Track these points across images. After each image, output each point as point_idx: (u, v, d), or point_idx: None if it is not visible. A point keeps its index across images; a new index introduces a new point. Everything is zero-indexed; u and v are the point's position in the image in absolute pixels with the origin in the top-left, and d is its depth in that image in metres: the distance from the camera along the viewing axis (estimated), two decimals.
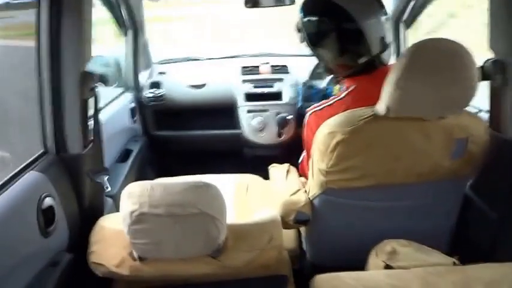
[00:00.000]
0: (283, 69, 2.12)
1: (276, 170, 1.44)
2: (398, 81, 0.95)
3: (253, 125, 2.00)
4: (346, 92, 1.20)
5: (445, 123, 1.03)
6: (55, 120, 1.11)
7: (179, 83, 2.11)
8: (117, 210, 1.19)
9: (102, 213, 1.24)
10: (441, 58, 0.94)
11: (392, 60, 1.28)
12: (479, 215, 1.17)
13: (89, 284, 1.07)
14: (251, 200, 1.50)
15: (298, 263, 1.30)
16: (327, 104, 1.21)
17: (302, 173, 1.40)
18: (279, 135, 1.98)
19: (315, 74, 1.91)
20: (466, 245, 1.21)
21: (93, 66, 1.18)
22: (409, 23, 1.89)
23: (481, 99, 1.13)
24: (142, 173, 1.85)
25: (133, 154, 1.79)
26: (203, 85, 2.10)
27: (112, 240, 1.01)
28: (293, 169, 1.42)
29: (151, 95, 2.05)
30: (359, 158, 1.05)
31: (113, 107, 1.78)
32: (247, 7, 1.69)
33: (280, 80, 2.08)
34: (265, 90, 2.05)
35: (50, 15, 1.04)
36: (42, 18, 1.05)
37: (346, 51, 1.19)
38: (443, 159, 1.06)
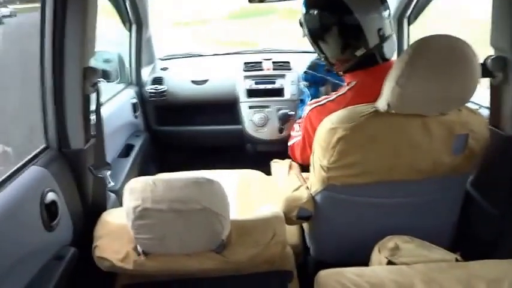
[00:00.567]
0: (285, 65, 2.12)
1: (278, 165, 1.44)
2: (399, 78, 0.94)
3: (255, 120, 2.01)
4: (348, 87, 1.19)
5: (446, 120, 1.03)
6: (57, 115, 1.11)
7: (181, 79, 2.11)
8: (120, 205, 1.19)
9: (105, 208, 1.25)
10: (443, 55, 0.94)
11: (395, 56, 1.27)
12: (481, 212, 1.18)
13: (93, 278, 1.08)
14: (253, 196, 1.50)
15: (302, 259, 1.31)
16: (328, 99, 1.21)
17: (291, 155, 1.42)
18: (281, 131, 1.98)
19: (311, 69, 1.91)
20: (468, 241, 1.22)
21: (95, 61, 1.17)
22: (413, 19, 1.88)
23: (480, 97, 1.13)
24: (144, 168, 1.85)
25: (135, 149, 1.80)
26: (205, 81, 2.10)
27: (116, 234, 1.02)
28: (295, 165, 1.42)
29: (153, 90, 2.05)
30: (360, 154, 1.05)
31: (115, 102, 1.78)
32: (251, 2, 1.68)
33: (283, 76, 2.08)
34: (268, 86, 2.05)
35: (54, 10, 1.04)
36: (46, 13, 1.05)
37: (344, 45, 1.18)
38: (444, 155, 1.06)
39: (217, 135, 2.13)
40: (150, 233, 0.94)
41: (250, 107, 2.03)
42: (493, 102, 1.14)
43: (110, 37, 2.14)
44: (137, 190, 0.92)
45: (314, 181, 1.17)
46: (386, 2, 1.19)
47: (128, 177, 1.54)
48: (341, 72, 1.27)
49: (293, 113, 1.97)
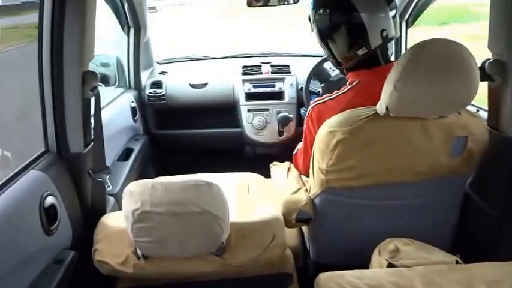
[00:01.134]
0: (284, 68, 2.13)
1: (277, 168, 1.44)
2: (397, 82, 0.95)
3: (254, 123, 2.02)
4: (350, 86, 1.19)
5: (445, 122, 1.03)
6: (56, 119, 1.11)
7: (181, 83, 2.11)
8: (119, 208, 1.19)
9: (105, 211, 1.24)
10: (441, 59, 0.94)
11: (392, 58, 1.27)
12: (480, 213, 1.18)
13: (93, 282, 1.07)
14: (253, 199, 1.50)
15: (302, 262, 1.31)
16: (329, 98, 1.20)
17: (295, 165, 1.41)
18: (280, 133, 1.99)
19: (314, 75, 1.92)
20: (467, 243, 1.22)
21: (94, 66, 1.18)
22: (411, 22, 1.89)
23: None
24: (143, 171, 1.85)
25: (135, 153, 1.80)
26: (204, 84, 2.10)
27: (116, 238, 1.01)
28: (294, 168, 1.42)
29: (152, 94, 2.06)
30: (359, 157, 1.05)
31: (115, 106, 1.78)
32: (249, 6, 1.69)
33: (282, 79, 2.09)
34: (267, 89, 2.06)
35: (52, 14, 1.04)
36: (44, 17, 1.05)
37: (348, 43, 1.17)
38: (443, 157, 1.07)
39: (217, 138, 2.14)
40: (149, 236, 0.94)
41: (250, 110, 2.04)
42: (492, 104, 1.14)
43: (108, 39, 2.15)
44: (136, 193, 0.92)
45: (313, 184, 1.18)
46: (394, 2, 1.18)
47: (127, 180, 1.54)
48: (344, 71, 1.26)
49: (292, 116, 1.97)
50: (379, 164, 1.07)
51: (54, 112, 1.10)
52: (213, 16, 9.90)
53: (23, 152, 1.20)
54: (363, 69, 1.19)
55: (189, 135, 2.14)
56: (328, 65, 2.05)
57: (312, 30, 1.26)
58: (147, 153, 1.98)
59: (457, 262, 1.00)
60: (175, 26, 7.96)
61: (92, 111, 1.17)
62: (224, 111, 2.08)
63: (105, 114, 1.36)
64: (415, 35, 1.95)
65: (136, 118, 1.97)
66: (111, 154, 1.60)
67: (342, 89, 1.20)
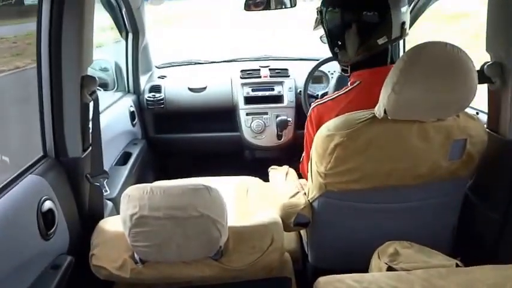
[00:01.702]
0: (283, 72, 2.13)
1: (276, 172, 1.44)
2: (395, 85, 0.95)
3: (253, 127, 2.02)
4: (351, 87, 1.17)
5: (443, 125, 1.03)
6: (55, 124, 1.11)
7: (179, 87, 2.12)
8: (117, 213, 1.18)
9: (102, 216, 1.24)
10: (438, 62, 0.94)
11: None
12: (481, 217, 1.17)
13: (90, 287, 1.07)
14: (251, 202, 1.50)
15: (300, 266, 1.30)
16: (329, 98, 1.19)
17: (302, 172, 1.39)
18: (279, 137, 1.98)
19: (312, 78, 1.92)
20: (468, 246, 1.21)
21: (93, 70, 1.18)
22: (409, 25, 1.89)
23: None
24: (141, 176, 1.85)
25: (133, 157, 1.79)
26: (203, 88, 2.10)
27: (113, 243, 1.01)
28: (292, 171, 1.42)
29: (151, 98, 2.06)
30: (357, 160, 1.05)
31: (113, 111, 1.78)
32: (246, 10, 1.70)
33: (281, 83, 2.09)
34: (266, 93, 2.06)
35: (50, 19, 1.05)
36: (43, 22, 1.05)
37: (374, 30, 1.13)
38: (442, 160, 1.06)
39: (215, 142, 2.14)
40: (147, 240, 0.93)
41: (248, 114, 2.04)
42: (491, 107, 1.14)
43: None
44: (134, 197, 0.92)
45: (311, 187, 1.17)
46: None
47: (125, 185, 1.53)
48: (349, 70, 1.23)
49: (291, 119, 1.97)
50: (378, 167, 1.06)
51: (53, 117, 1.10)
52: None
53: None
54: (366, 69, 1.17)
55: (187, 139, 2.13)
56: (326, 68, 2.06)
57: (318, 24, 1.22)
58: (146, 158, 1.98)
59: (457, 265, 0.99)
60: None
61: (91, 116, 1.17)
62: (223, 115, 2.08)
63: (103, 119, 1.36)
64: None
65: (134, 122, 1.97)
66: (109, 159, 1.60)
67: (343, 89, 1.19)
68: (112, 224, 1.07)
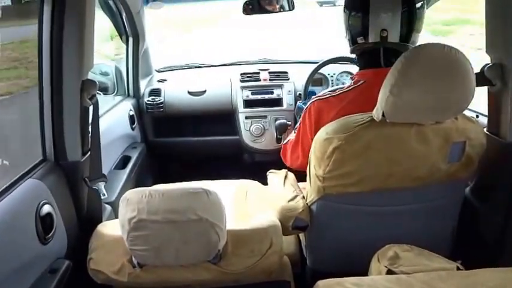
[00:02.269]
0: (283, 75, 2.14)
1: (274, 175, 1.44)
2: (393, 87, 0.94)
3: (252, 131, 2.02)
4: (354, 86, 1.16)
5: (442, 127, 1.03)
6: (55, 128, 1.11)
7: (179, 90, 2.12)
8: (116, 216, 1.18)
9: (101, 220, 1.24)
10: (436, 64, 0.94)
11: None
12: (481, 219, 1.17)
13: None
14: (250, 206, 1.49)
15: (299, 269, 1.29)
16: (331, 95, 1.17)
17: (283, 156, 1.42)
18: (278, 140, 1.98)
19: (312, 81, 1.92)
20: (468, 249, 1.20)
21: (93, 74, 1.18)
22: None
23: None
24: (140, 179, 1.85)
25: (132, 161, 1.79)
26: (203, 92, 2.11)
27: (111, 246, 1.00)
28: (291, 175, 1.42)
29: (150, 102, 2.06)
30: (356, 164, 1.05)
31: (113, 114, 1.78)
32: (245, 14, 1.71)
33: (280, 86, 2.09)
34: (265, 96, 2.06)
35: (51, 24, 1.05)
36: (44, 26, 1.06)
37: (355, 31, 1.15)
38: (441, 162, 1.06)
39: (215, 145, 2.13)
40: (145, 244, 0.93)
41: (248, 117, 2.04)
42: (491, 109, 1.14)
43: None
44: (133, 201, 0.92)
45: (310, 191, 1.17)
46: None
47: (124, 189, 1.53)
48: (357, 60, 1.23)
49: (290, 122, 1.97)
50: (376, 170, 1.06)
51: (53, 120, 1.11)
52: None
53: None
54: (370, 69, 1.16)
55: (186, 143, 2.13)
56: (326, 71, 2.06)
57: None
58: (145, 161, 1.98)
59: (458, 268, 0.98)
60: None
61: (90, 120, 1.17)
62: (222, 118, 2.08)
63: (103, 123, 1.36)
64: None
65: (134, 126, 1.97)
66: (108, 162, 1.60)
67: (346, 86, 1.17)
68: (110, 228, 1.07)
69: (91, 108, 1.17)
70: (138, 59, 2.07)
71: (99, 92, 1.19)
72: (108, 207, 1.36)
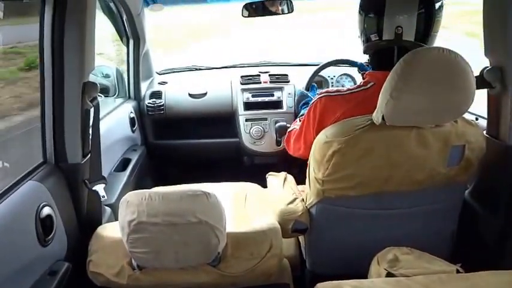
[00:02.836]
0: (283, 78, 2.14)
1: (274, 178, 1.44)
2: (393, 91, 0.94)
3: (252, 133, 2.01)
4: (364, 87, 1.12)
5: (441, 131, 1.03)
6: (55, 130, 1.11)
7: (180, 92, 2.12)
8: (116, 219, 1.18)
9: (101, 222, 1.24)
10: (436, 67, 0.94)
11: None
12: (481, 222, 1.17)
13: None
14: (250, 208, 1.49)
15: (299, 272, 1.29)
16: (340, 93, 1.14)
17: (286, 144, 1.42)
18: (278, 143, 1.98)
19: (312, 83, 1.92)
20: (468, 252, 1.20)
21: (94, 76, 1.18)
22: None
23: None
24: (141, 182, 1.85)
25: (132, 163, 1.79)
26: (203, 94, 2.11)
27: (111, 249, 1.00)
28: (290, 177, 1.42)
29: (151, 104, 2.06)
30: (355, 167, 1.05)
31: (113, 117, 1.78)
32: (245, 16, 1.71)
33: (280, 88, 2.10)
34: (265, 99, 2.07)
35: (52, 26, 1.06)
36: (45, 29, 1.06)
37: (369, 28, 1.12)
38: (441, 166, 1.06)
39: (215, 148, 2.13)
40: (145, 246, 0.93)
41: (248, 120, 2.04)
42: (491, 111, 1.14)
43: None
44: (133, 203, 0.92)
45: (309, 194, 1.17)
46: None
47: (124, 191, 1.53)
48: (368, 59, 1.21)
49: (290, 125, 1.97)
50: (376, 174, 1.06)
51: (54, 123, 1.11)
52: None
53: None
54: (380, 71, 1.12)
55: (186, 145, 2.13)
56: (326, 74, 2.07)
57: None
58: (145, 164, 1.98)
59: (457, 271, 0.98)
60: None
61: (91, 122, 1.18)
62: (222, 120, 2.08)
63: (103, 125, 1.37)
64: None
65: (134, 128, 1.97)
66: (108, 165, 1.60)
67: (356, 86, 1.14)
68: (110, 230, 1.07)
69: (92, 110, 1.17)
70: (138, 61, 2.07)
71: (100, 94, 1.19)
72: (108, 210, 1.36)
